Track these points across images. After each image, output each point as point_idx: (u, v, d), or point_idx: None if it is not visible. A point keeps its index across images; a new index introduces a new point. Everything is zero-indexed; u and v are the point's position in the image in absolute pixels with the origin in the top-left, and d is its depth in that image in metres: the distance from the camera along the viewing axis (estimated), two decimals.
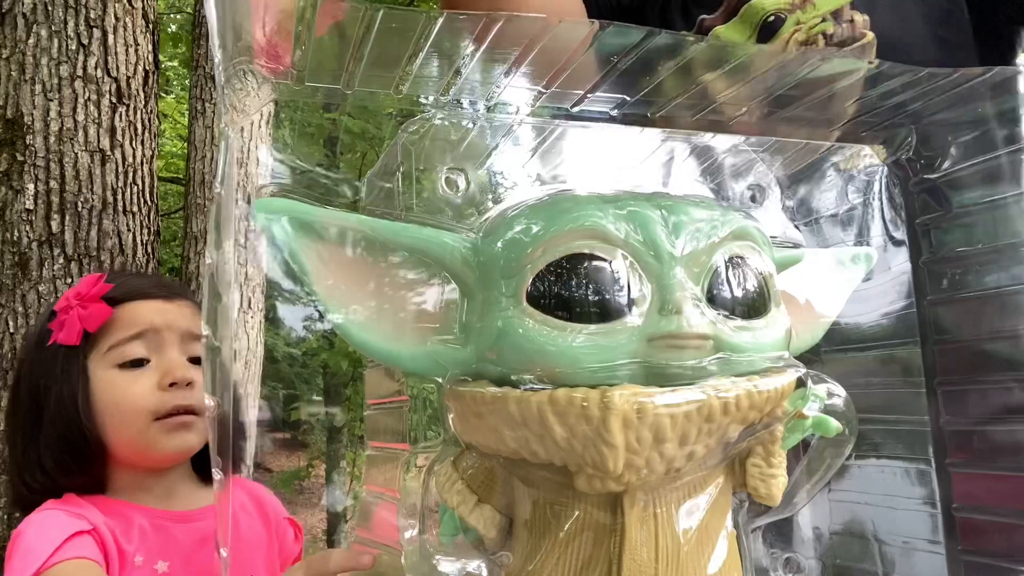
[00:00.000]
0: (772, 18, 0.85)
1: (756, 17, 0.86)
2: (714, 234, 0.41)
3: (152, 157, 1.68)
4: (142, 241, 1.63)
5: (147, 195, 1.65)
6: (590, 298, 0.39)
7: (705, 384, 0.38)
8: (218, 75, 0.42)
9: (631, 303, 0.39)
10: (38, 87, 1.52)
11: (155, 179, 1.70)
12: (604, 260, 0.39)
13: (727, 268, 0.42)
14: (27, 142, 1.51)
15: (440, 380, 0.43)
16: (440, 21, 0.44)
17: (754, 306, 0.42)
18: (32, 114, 1.52)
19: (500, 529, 0.43)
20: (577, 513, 0.39)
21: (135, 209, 1.61)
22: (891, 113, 0.55)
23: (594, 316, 0.39)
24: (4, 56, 1.53)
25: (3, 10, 1.53)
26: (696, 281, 0.41)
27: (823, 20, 0.83)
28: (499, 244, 0.41)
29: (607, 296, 0.39)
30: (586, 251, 0.39)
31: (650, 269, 0.39)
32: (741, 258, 0.42)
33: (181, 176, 6.22)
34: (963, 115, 0.56)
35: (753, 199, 0.55)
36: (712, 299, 0.41)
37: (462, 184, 0.48)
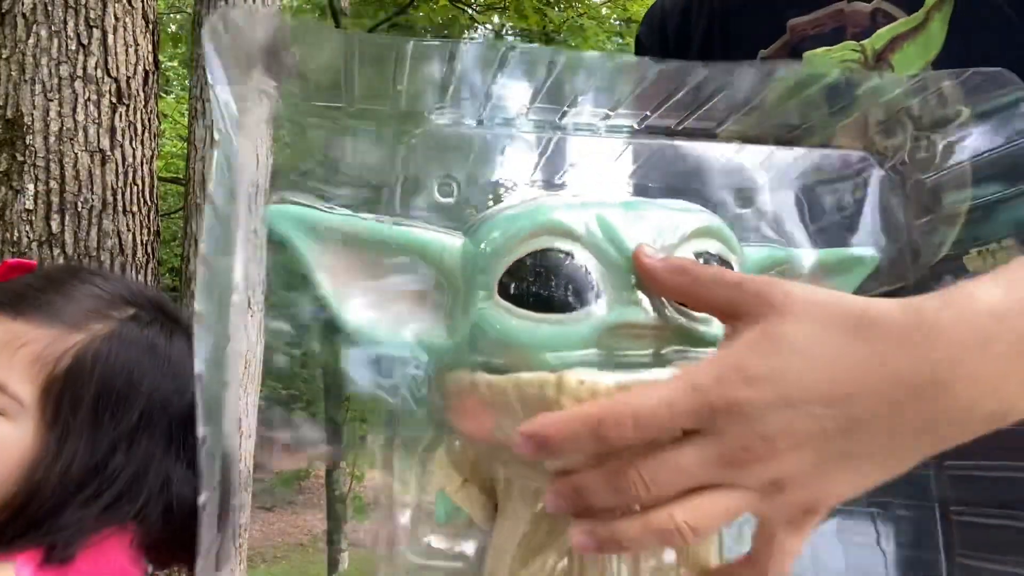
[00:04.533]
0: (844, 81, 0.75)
1: (826, 75, 0.75)
2: (678, 231, 0.44)
3: (152, 157, 1.68)
4: (142, 241, 1.63)
5: (147, 195, 1.65)
6: (555, 290, 0.42)
7: (661, 371, 0.40)
8: (217, 105, 0.45)
9: (594, 294, 0.42)
10: (38, 87, 1.52)
11: (155, 179, 1.70)
12: (568, 254, 0.43)
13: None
14: (27, 142, 1.51)
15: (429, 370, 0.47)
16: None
17: None
18: (32, 114, 1.52)
19: (484, 509, 0.46)
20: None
21: (135, 209, 1.61)
22: (889, 118, 0.57)
23: (558, 306, 0.42)
24: (4, 56, 1.53)
25: (3, 10, 1.53)
26: None
27: (904, 93, 0.65)
28: (478, 244, 0.45)
29: (571, 288, 0.42)
30: (551, 246, 0.43)
31: (612, 262, 0.42)
32: (706, 254, 0.44)
33: (181, 176, 6.22)
34: (948, 116, 0.57)
35: (744, 204, 0.58)
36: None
37: (455, 190, 0.52)
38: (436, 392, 0.46)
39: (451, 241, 0.47)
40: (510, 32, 7.45)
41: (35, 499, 0.69)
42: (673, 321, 0.42)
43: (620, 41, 6.94)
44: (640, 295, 0.42)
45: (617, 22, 6.94)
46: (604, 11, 6.89)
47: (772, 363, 0.36)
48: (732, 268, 0.45)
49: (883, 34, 0.71)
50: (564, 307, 0.42)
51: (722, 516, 0.38)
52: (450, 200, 0.52)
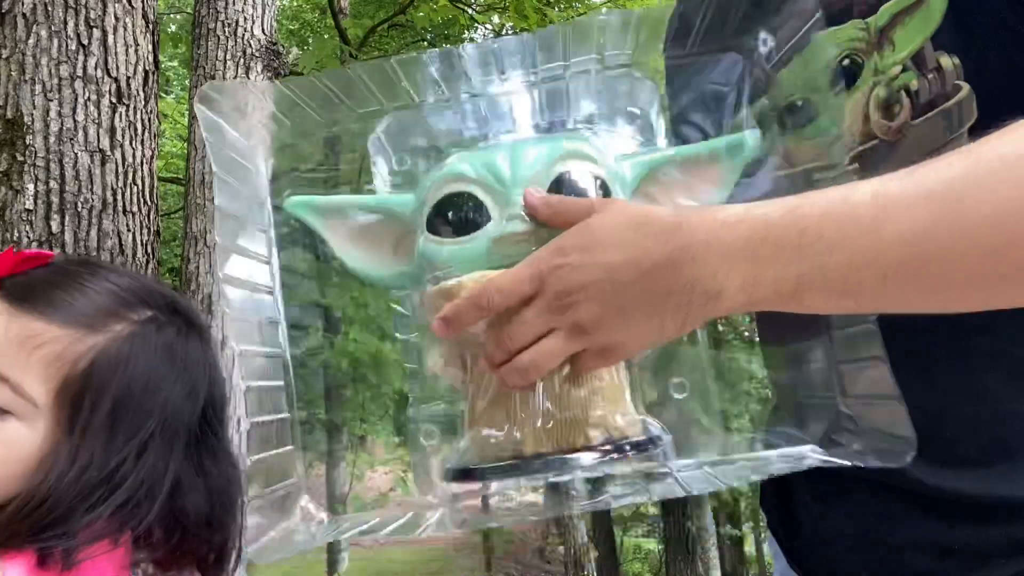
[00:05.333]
0: (847, 60, 0.72)
1: (829, 57, 0.71)
2: (545, 159, 0.60)
3: (152, 157, 1.68)
4: (142, 241, 1.63)
5: (147, 195, 1.65)
6: (459, 220, 0.60)
7: None
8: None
9: (487, 219, 0.59)
10: (38, 87, 1.52)
11: (155, 179, 1.70)
12: (466, 193, 0.60)
13: (562, 181, 0.60)
14: (27, 142, 1.51)
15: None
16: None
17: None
18: (32, 114, 1.52)
19: (460, 381, 0.64)
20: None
21: (135, 209, 1.61)
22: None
23: (462, 231, 0.60)
24: (4, 56, 1.53)
25: (3, 10, 1.53)
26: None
27: (904, 70, 0.69)
28: (418, 194, 0.64)
29: (470, 217, 0.60)
30: (453, 190, 0.61)
31: (497, 192, 0.60)
32: (574, 174, 0.60)
33: (181, 176, 6.23)
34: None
35: (632, 120, 0.72)
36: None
37: (406, 160, 0.72)
38: (418, 304, 0.65)
39: (406, 198, 0.65)
40: (510, 32, 7.45)
41: (44, 503, 0.67)
42: (541, 229, 0.58)
43: None
44: (519, 212, 0.58)
45: None
46: (604, 11, 6.89)
47: (580, 242, 0.54)
48: (599, 177, 0.61)
49: (885, 10, 0.70)
50: (466, 231, 0.60)
51: (552, 353, 0.55)
52: (406, 167, 0.71)
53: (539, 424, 0.59)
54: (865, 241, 0.49)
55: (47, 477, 0.68)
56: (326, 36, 6.98)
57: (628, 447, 0.59)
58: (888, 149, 0.70)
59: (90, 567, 0.68)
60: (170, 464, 0.74)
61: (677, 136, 0.73)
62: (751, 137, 0.65)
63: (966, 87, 0.66)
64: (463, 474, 0.61)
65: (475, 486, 0.61)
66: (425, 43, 7.97)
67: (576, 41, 0.67)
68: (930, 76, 0.68)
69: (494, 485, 0.61)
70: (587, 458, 0.58)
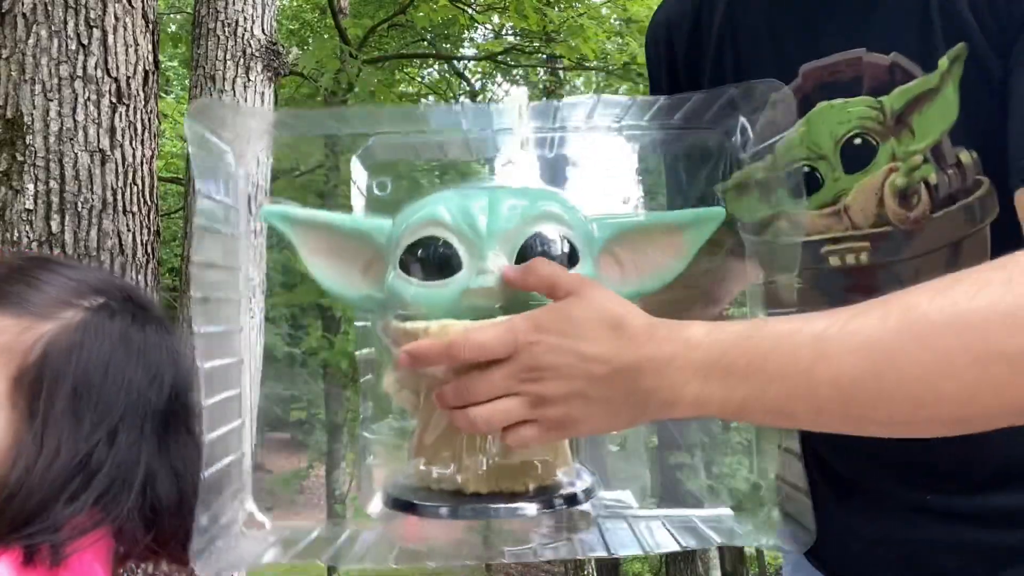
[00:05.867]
0: (859, 140, 0.71)
1: (838, 130, 0.72)
2: (520, 217, 0.62)
3: (152, 157, 1.68)
4: (142, 241, 1.63)
5: (147, 195, 1.65)
6: (431, 264, 0.62)
7: (495, 320, 0.59)
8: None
9: (459, 267, 0.62)
10: (38, 87, 1.52)
11: (155, 179, 1.70)
12: (441, 240, 0.62)
13: (533, 243, 0.62)
14: (27, 142, 1.51)
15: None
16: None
17: (558, 264, 0.62)
18: (32, 114, 1.52)
19: (413, 406, 0.67)
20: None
21: (135, 209, 1.61)
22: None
23: (433, 275, 0.62)
24: (4, 56, 1.53)
25: (3, 10, 1.53)
26: (507, 250, 0.62)
27: (925, 161, 0.68)
28: (395, 228, 0.66)
29: (443, 263, 0.62)
30: (430, 234, 0.63)
31: (472, 244, 0.62)
32: (546, 235, 0.63)
33: (181, 176, 6.22)
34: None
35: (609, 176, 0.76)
36: (519, 264, 0.61)
37: (387, 187, 0.74)
38: (382, 329, 0.67)
39: (383, 224, 0.67)
40: (510, 32, 7.45)
41: (17, 496, 0.67)
42: (509, 289, 0.61)
43: (620, 41, 6.94)
44: (490, 266, 0.61)
45: (617, 22, 6.94)
46: (604, 11, 6.88)
47: (559, 327, 0.57)
48: (568, 240, 0.64)
49: (900, 94, 0.69)
50: (437, 276, 0.62)
51: (507, 414, 0.58)
52: (384, 194, 0.74)
53: (483, 468, 0.63)
54: (801, 379, 0.54)
55: (15, 467, 0.67)
56: (326, 36, 6.97)
57: (563, 500, 0.63)
58: (905, 237, 0.70)
59: (77, 563, 0.67)
60: (142, 450, 0.74)
61: (651, 198, 0.79)
62: (717, 213, 0.69)
63: (987, 183, 0.67)
64: (404, 505, 0.64)
65: (412, 519, 0.64)
66: (425, 43, 7.96)
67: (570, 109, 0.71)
68: (950, 172, 0.68)
69: (429, 521, 0.63)
70: (530, 508, 0.62)
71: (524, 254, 0.62)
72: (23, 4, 1.52)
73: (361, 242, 0.68)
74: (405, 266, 0.63)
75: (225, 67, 2.88)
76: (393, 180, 0.74)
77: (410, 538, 0.67)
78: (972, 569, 0.69)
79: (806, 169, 0.71)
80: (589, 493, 0.66)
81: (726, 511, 0.71)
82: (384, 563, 0.65)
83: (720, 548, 9.21)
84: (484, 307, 0.61)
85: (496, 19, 6.97)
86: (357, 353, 0.75)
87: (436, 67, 9.05)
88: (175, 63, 7.95)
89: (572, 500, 0.65)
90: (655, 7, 0.96)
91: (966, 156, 0.67)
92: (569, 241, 0.64)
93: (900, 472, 0.74)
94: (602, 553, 0.64)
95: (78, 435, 0.70)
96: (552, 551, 0.66)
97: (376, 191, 0.74)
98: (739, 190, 0.75)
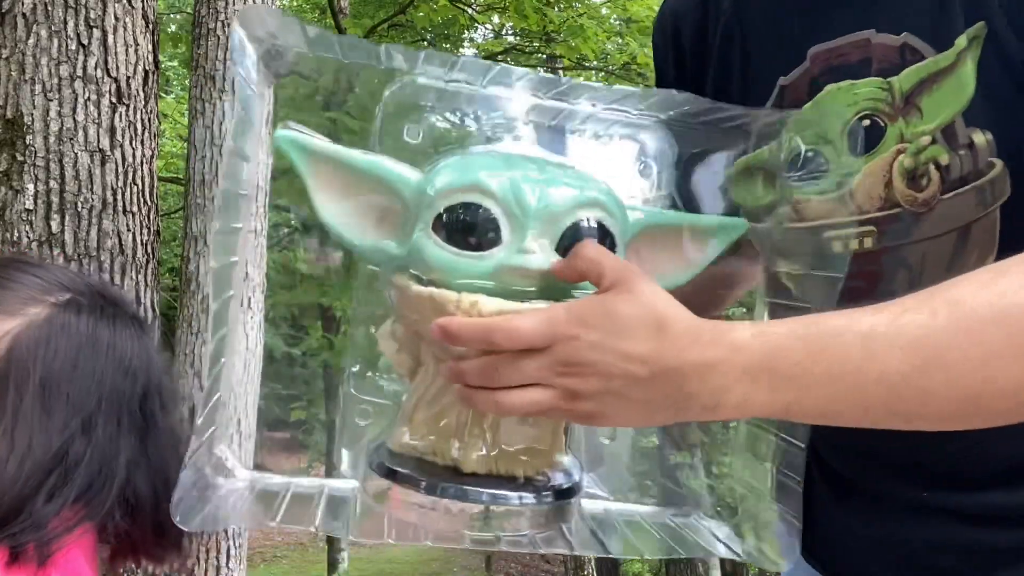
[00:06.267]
0: (868, 122, 0.70)
1: (845, 113, 0.71)
2: (568, 202, 0.59)
3: (152, 157, 1.68)
4: (142, 241, 1.63)
5: (147, 195, 1.65)
6: (471, 234, 0.58)
7: (531, 305, 0.57)
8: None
9: (497, 241, 0.58)
10: (38, 87, 1.52)
11: (155, 179, 1.70)
12: (484, 208, 0.58)
13: (577, 229, 0.59)
14: (27, 142, 1.51)
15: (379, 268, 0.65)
16: None
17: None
18: (32, 114, 1.52)
19: (410, 370, 0.65)
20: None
21: (135, 209, 1.61)
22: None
23: (472, 246, 0.58)
24: (4, 56, 1.53)
25: (3, 10, 1.53)
26: (551, 233, 0.59)
27: (933, 141, 0.67)
28: (428, 184, 0.60)
29: (482, 233, 0.58)
30: (474, 200, 0.58)
31: (515, 219, 0.58)
32: (589, 221, 0.60)
33: (181, 176, 6.22)
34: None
35: (641, 172, 0.74)
36: (560, 249, 0.59)
37: (419, 134, 0.68)
38: (386, 284, 0.63)
39: (409, 174, 0.62)
40: (510, 32, 7.45)
41: None
42: (549, 274, 0.59)
43: (620, 41, 6.94)
44: (530, 246, 0.58)
45: (617, 22, 6.94)
46: (604, 11, 6.88)
47: (601, 323, 0.55)
48: (609, 231, 0.61)
49: (911, 74, 0.67)
50: (475, 247, 0.58)
51: (536, 404, 0.57)
52: (415, 141, 0.67)
53: (484, 450, 0.61)
54: (849, 380, 0.54)
55: None
56: None
57: (554, 493, 0.62)
58: (913, 219, 0.69)
59: (63, 560, 0.67)
60: (121, 443, 0.74)
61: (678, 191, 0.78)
62: (741, 223, 0.70)
63: (999, 164, 0.65)
64: (398, 476, 0.61)
65: (411, 493, 0.60)
66: (425, 43, 7.96)
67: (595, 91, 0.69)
68: (962, 152, 0.66)
69: (425, 496, 0.60)
70: (529, 495, 0.60)
71: (567, 239, 0.59)
72: (23, 4, 1.52)
73: (382, 189, 0.62)
74: (439, 229, 0.58)
75: (225, 67, 2.88)
76: (427, 130, 0.67)
77: (395, 507, 0.62)
78: (971, 569, 0.69)
79: (810, 154, 0.71)
80: (577, 489, 0.65)
81: (714, 523, 0.71)
82: (380, 537, 0.62)
83: None
84: (518, 287, 0.58)
85: (496, 19, 6.97)
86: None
87: None
88: (175, 63, 7.94)
89: (569, 492, 0.63)
90: (655, 7, 0.96)
91: (980, 137, 0.65)
92: (610, 232, 0.61)
93: (899, 471, 0.74)
94: (566, 550, 0.63)
95: (50, 429, 0.70)
96: (545, 543, 0.64)
97: (407, 137, 0.67)
98: (744, 175, 0.75)
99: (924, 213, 0.68)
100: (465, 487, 0.60)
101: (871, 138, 0.69)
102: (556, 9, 6.27)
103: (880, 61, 0.69)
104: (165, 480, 0.75)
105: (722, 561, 8.92)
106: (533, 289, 0.59)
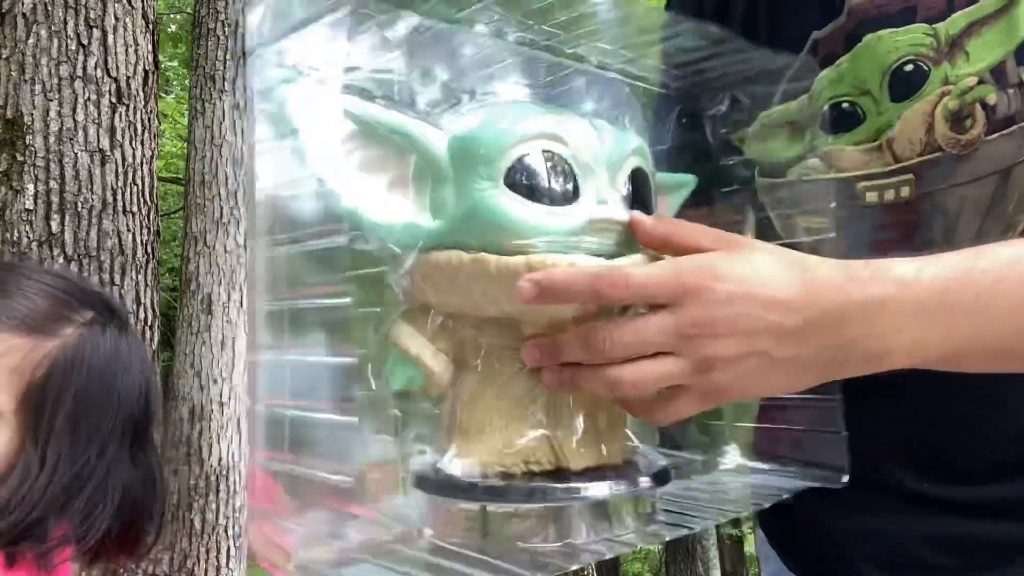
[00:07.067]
0: (911, 66, 0.67)
1: (886, 60, 0.67)
2: (624, 148, 0.53)
3: (152, 157, 1.68)
4: (142, 241, 1.63)
5: (147, 195, 1.65)
6: (552, 186, 0.50)
7: (626, 259, 0.50)
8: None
9: (578, 193, 0.50)
10: (38, 87, 1.52)
11: (155, 179, 1.70)
12: (562, 159, 0.50)
13: (635, 176, 0.53)
14: (27, 142, 1.51)
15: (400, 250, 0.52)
16: None
17: (649, 205, 0.54)
18: (32, 114, 1.52)
19: (450, 373, 0.53)
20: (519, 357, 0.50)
21: (135, 209, 1.61)
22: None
23: (553, 200, 0.49)
24: (4, 56, 1.53)
25: (3, 10, 1.53)
26: (617, 182, 0.53)
27: (980, 82, 0.64)
28: (480, 136, 0.51)
29: (562, 185, 0.50)
30: (548, 148, 0.50)
31: (588, 168, 0.51)
32: (641, 169, 0.54)
33: (181, 176, 6.22)
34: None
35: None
36: (626, 198, 0.53)
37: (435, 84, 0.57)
38: (414, 269, 0.52)
39: (436, 133, 0.52)
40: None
41: (18, 509, 0.68)
42: (628, 228, 0.51)
43: None
44: (613, 195, 0.51)
45: None
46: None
47: (737, 270, 0.46)
48: (651, 179, 0.55)
49: (959, 19, 0.65)
50: (556, 200, 0.49)
51: (659, 378, 0.47)
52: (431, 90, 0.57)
53: (577, 438, 0.50)
54: None
55: (22, 484, 0.69)
56: None
57: (659, 476, 0.52)
58: (953, 162, 0.66)
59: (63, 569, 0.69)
60: (122, 466, 0.76)
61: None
62: (689, 179, 0.66)
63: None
64: (508, 495, 0.48)
65: (507, 506, 0.49)
66: None
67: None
68: (1010, 91, 0.64)
69: (529, 505, 0.49)
70: (645, 483, 0.50)
71: (630, 188, 0.53)
72: (23, 4, 1.53)
73: (398, 149, 0.51)
74: (513, 182, 0.49)
75: (225, 67, 2.88)
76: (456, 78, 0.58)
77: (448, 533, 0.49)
78: (967, 567, 0.69)
79: (845, 105, 0.69)
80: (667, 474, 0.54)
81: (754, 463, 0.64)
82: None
83: (720, 548, 9.21)
84: (607, 244, 0.50)
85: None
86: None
87: None
88: (175, 63, 7.95)
89: (664, 475, 0.53)
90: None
91: None
92: (655, 183, 0.55)
93: (897, 464, 0.74)
94: (683, 532, 0.53)
95: (75, 449, 0.72)
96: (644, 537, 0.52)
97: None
98: (767, 130, 0.72)
99: (966, 155, 0.65)
100: (612, 482, 0.49)
101: (913, 83, 0.67)
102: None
103: (927, 9, 0.67)
104: (158, 490, 0.77)
105: (722, 561, 8.92)
106: (614, 245, 0.51)
